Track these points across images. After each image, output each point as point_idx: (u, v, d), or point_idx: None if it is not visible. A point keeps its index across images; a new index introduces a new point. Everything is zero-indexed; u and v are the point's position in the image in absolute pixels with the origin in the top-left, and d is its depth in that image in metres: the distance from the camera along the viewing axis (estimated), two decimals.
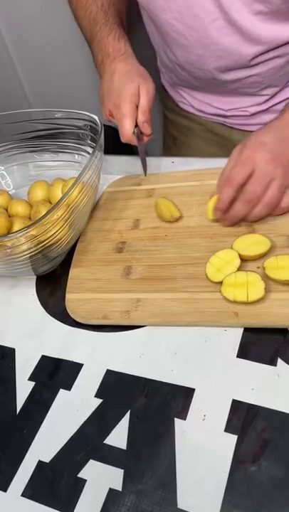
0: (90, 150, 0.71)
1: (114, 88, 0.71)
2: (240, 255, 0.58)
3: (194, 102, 0.89)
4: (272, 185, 0.59)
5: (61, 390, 0.54)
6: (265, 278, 0.55)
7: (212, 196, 0.64)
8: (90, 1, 0.79)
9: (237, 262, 0.57)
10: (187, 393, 0.50)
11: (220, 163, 0.65)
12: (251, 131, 0.65)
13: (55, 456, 0.49)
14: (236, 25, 0.69)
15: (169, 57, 0.82)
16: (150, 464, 0.46)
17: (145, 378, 0.53)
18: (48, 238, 0.57)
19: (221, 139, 0.91)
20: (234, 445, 0.46)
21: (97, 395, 0.53)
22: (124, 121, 0.69)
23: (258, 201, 0.60)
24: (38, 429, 0.52)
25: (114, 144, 0.73)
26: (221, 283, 0.56)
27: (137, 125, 0.70)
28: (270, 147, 0.60)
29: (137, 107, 0.70)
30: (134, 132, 0.70)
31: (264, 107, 0.82)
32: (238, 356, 0.52)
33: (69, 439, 0.50)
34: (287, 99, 0.80)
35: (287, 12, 0.66)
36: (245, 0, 0.65)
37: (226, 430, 0.47)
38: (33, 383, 0.56)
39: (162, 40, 0.80)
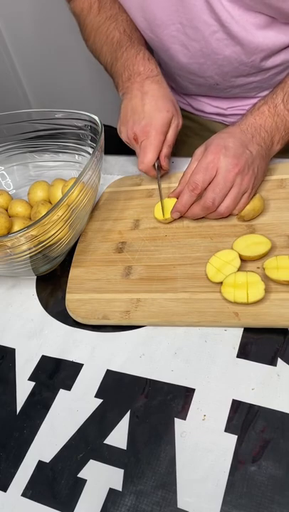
0: (90, 150, 0.71)
1: (145, 111, 0.68)
2: (240, 255, 0.58)
3: (193, 101, 0.89)
4: (229, 194, 0.61)
5: (61, 390, 0.54)
6: (265, 278, 0.55)
7: (170, 196, 0.67)
8: (112, 28, 0.76)
9: (237, 262, 0.57)
10: (187, 393, 0.50)
11: None
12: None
13: (55, 456, 0.49)
14: (236, 37, 0.69)
15: (170, 67, 0.82)
16: (150, 463, 0.46)
17: (145, 378, 0.53)
18: (48, 238, 0.57)
19: None
20: (234, 445, 0.46)
21: (97, 395, 0.53)
22: (150, 150, 0.67)
23: (215, 209, 0.62)
24: (38, 429, 0.52)
25: (114, 144, 0.73)
26: (221, 283, 0.56)
27: (157, 158, 0.68)
28: (233, 152, 0.60)
29: (164, 139, 0.68)
30: (154, 164, 0.68)
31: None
32: (238, 356, 0.52)
33: (69, 439, 0.50)
34: None
35: (285, 19, 0.66)
36: (243, 10, 0.65)
37: (226, 430, 0.47)
38: (33, 383, 0.56)
39: (163, 53, 0.79)
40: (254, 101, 0.81)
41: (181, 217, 0.66)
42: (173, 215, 0.65)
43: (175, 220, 0.66)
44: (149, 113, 0.68)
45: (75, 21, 0.85)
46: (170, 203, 0.66)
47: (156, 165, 0.68)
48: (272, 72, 0.75)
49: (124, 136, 0.71)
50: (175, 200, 0.65)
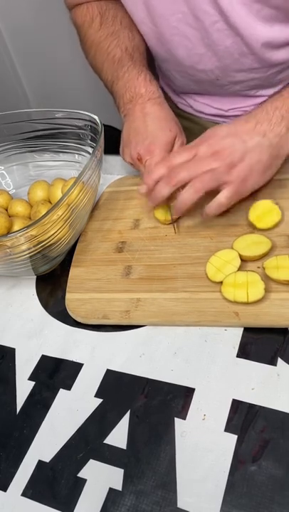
0: (90, 150, 0.71)
1: (148, 131, 0.68)
2: (240, 255, 0.58)
3: (194, 103, 0.89)
4: (205, 172, 0.57)
5: (61, 390, 0.54)
6: (265, 278, 0.55)
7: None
8: (113, 45, 0.76)
9: (237, 261, 0.57)
10: (187, 393, 0.50)
11: None
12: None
13: (55, 456, 0.49)
14: (236, 28, 0.68)
15: (170, 63, 0.82)
16: (150, 463, 0.46)
17: (145, 378, 0.53)
18: (48, 238, 0.57)
19: None
20: (234, 445, 0.46)
21: (97, 395, 0.53)
22: (156, 168, 0.65)
23: (176, 185, 0.58)
24: (38, 429, 0.52)
25: (114, 144, 0.73)
26: (221, 283, 0.56)
27: None
28: (218, 140, 0.58)
29: None
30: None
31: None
32: (238, 356, 0.52)
33: (69, 439, 0.50)
34: None
35: (287, 13, 0.66)
36: (245, 1, 0.65)
37: (226, 430, 0.47)
38: (33, 383, 0.56)
39: (164, 48, 0.78)
40: (255, 101, 0.82)
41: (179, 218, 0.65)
42: (139, 189, 0.64)
43: (176, 220, 0.66)
44: (152, 133, 0.67)
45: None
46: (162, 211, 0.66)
47: None
48: (273, 70, 0.75)
49: (127, 158, 0.70)
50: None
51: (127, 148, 0.70)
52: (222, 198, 0.58)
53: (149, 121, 0.68)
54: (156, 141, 0.67)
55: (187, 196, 0.59)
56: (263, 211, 0.61)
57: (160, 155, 0.66)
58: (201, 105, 0.88)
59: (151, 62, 0.90)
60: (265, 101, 0.62)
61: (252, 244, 0.58)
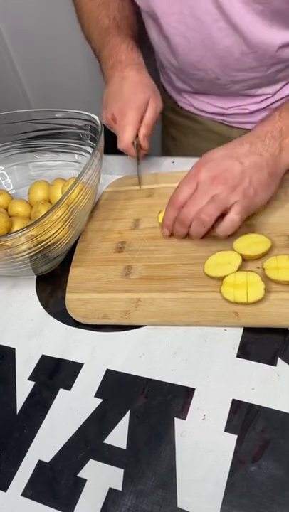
0: (90, 150, 0.71)
1: (122, 94, 0.70)
2: (241, 255, 0.58)
3: (194, 101, 0.89)
4: (208, 203, 0.57)
5: (61, 390, 0.54)
6: (265, 278, 0.55)
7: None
8: (102, 15, 0.79)
9: (238, 262, 0.57)
10: (187, 393, 0.50)
11: None
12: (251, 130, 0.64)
13: (55, 456, 0.49)
14: (237, 27, 0.69)
15: (171, 62, 0.82)
16: (150, 463, 0.46)
17: (145, 378, 0.53)
18: (48, 238, 0.57)
19: (221, 138, 0.91)
20: (234, 445, 0.46)
21: (97, 395, 0.53)
22: (127, 128, 0.69)
23: (191, 222, 0.59)
24: (38, 429, 0.52)
25: (114, 144, 0.73)
26: (220, 282, 0.56)
27: (136, 136, 0.70)
28: (216, 164, 0.59)
29: (142, 119, 0.70)
30: (133, 142, 0.69)
31: (263, 104, 0.82)
32: (238, 356, 0.52)
33: (69, 439, 0.50)
34: (286, 96, 0.80)
35: (287, 13, 0.66)
36: (246, 0, 0.65)
37: (226, 430, 0.47)
38: (33, 383, 0.56)
39: (165, 45, 0.79)
40: (255, 99, 0.82)
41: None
42: (163, 232, 0.64)
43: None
44: (127, 95, 0.70)
45: (76, 22, 0.85)
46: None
47: (135, 143, 0.70)
48: (274, 69, 0.75)
49: (104, 119, 0.73)
50: None
51: (104, 111, 0.73)
52: (233, 214, 0.57)
53: (125, 85, 0.71)
54: (129, 103, 0.69)
55: (198, 230, 0.59)
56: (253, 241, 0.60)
57: (132, 115, 0.69)
58: (202, 104, 0.88)
59: (151, 59, 0.91)
60: (254, 127, 0.63)
61: (252, 244, 0.58)
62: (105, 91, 0.74)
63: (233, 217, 0.57)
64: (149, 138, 0.71)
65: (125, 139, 0.69)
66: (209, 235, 0.60)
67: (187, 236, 0.63)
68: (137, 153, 0.71)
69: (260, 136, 0.60)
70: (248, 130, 0.63)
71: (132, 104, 0.69)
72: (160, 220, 0.66)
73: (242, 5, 0.66)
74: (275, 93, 0.80)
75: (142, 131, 0.70)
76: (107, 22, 0.78)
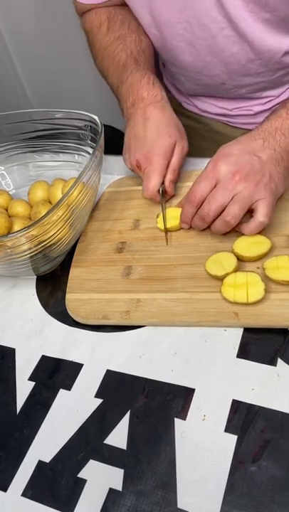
0: (90, 150, 0.71)
1: (147, 138, 0.67)
2: (241, 256, 0.58)
3: (198, 102, 0.89)
4: (232, 202, 0.57)
5: (61, 390, 0.54)
6: (265, 278, 0.55)
7: (176, 206, 0.66)
8: (119, 50, 0.76)
9: (233, 263, 0.57)
10: (187, 393, 0.50)
11: None
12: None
13: (55, 456, 0.49)
14: (244, 35, 0.68)
15: (175, 69, 0.81)
16: (150, 464, 0.46)
17: (145, 378, 0.53)
18: (48, 238, 0.57)
19: (224, 139, 0.90)
20: (234, 445, 0.46)
21: (97, 395, 0.53)
22: (153, 176, 0.66)
23: (213, 219, 0.58)
24: (38, 429, 0.52)
25: (114, 144, 0.73)
26: (220, 282, 0.56)
27: (163, 182, 0.68)
28: (235, 159, 0.57)
29: (168, 163, 0.67)
30: (159, 190, 0.67)
31: (268, 106, 0.82)
32: (238, 356, 0.52)
33: (69, 439, 0.50)
34: None
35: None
36: (253, 9, 0.65)
37: (226, 430, 0.47)
38: (33, 383, 0.56)
39: (169, 53, 0.78)
40: (260, 101, 0.82)
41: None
42: (182, 226, 0.64)
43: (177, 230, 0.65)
44: (151, 139, 0.67)
45: (77, 22, 0.85)
46: (174, 211, 0.66)
47: (160, 190, 0.67)
48: (280, 74, 0.75)
49: (128, 164, 0.70)
50: (179, 209, 0.65)
51: (127, 155, 0.70)
52: (260, 217, 0.57)
53: (148, 127, 0.68)
54: (154, 148, 0.66)
55: (221, 229, 0.59)
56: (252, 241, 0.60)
57: (158, 162, 0.66)
58: (206, 105, 0.88)
59: (156, 61, 0.91)
60: (262, 122, 0.62)
61: (252, 245, 0.58)
62: (127, 131, 0.71)
63: (261, 221, 0.57)
64: (175, 182, 0.69)
65: (151, 187, 0.66)
66: (232, 230, 0.60)
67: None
68: (162, 200, 0.67)
69: (270, 132, 0.60)
70: None
71: (158, 149, 0.66)
72: (159, 225, 0.66)
73: (249, 13, 0.66)
74: (280, 95, 0.80)
75: (169, 177, 0.68)
76: (124, 57, 0.75)
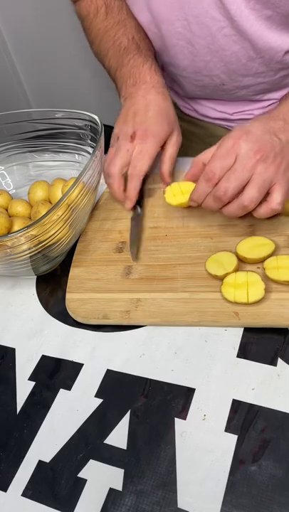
0: (90, 150, 0.71)
1: (148, 115, 0.68)
2: (244, 258, 0.58)
3: (198, 106, 0.88)
4: (250, 182, 0.54)
5: (61, 390, 0.54)
6: (265, 278, 0.55)
7: (184, 180, 0.63)
8: (120, 34, 0.76)
9: (233, 263, 0.57)
10: (187, 393, 0.50)
11: None
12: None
13: (55, 456, 0.49)
14: (245, 33, 0.68)
15: (174, 70, 0.81)
16: (150, 463, 0.46)
17: (145, 378, 0.53)
18: (48, 238, 0.57)
19: None
20: (234, 445, 0.46)
21: (97, 395, 0.53)
22: (145, 157, 0.66)
23: (230, 200, 0.55)
24: (38, 429, 0.52)
25: None
26: (220, 282, 0.56)
27: (141, 206, 0.68)
28: (256, 138, 0.54)
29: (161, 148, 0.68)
30: (135, 208, 0.68)
31: (269, 109, 0.82)
32: (238, 356, 0.52)
33: (69, 439, 0.50)
34: None
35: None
36: (254, 6, 0.65)
37: (226, 430, 0.47)
38: (33, 383, 0.56)
39: (168, 53, 0.78)
40: (261, 104, 0.81)
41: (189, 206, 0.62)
42: (191, 204, 0.61)
43: (187, 207, 0.64)
44: (152, 120, 0.67)
45: (76, 22, 0.85)
46: (185, 185, 0.63)
47: (138, 211, 0.68)
48: (281, 74, 0.74)
49: (122, 133, 0.69)
50: (189, 183, 0.62)
51: (123, 125, 0.69)
52: (274, 205, 0.55)
53: (150, 108, 0.68)
54: (152, 129, 0.67)
55: (236, 213, 0.56)
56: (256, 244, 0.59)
57: (152, 145, 0.66)
58: (206, 109, 0.87)
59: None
60: (280, 104, 0.61)
61: (255, 247, 0.58)
62: (125, 106, 0.71)
63: (275, 208, 0.55)
64: (172, 174, 0.69)
65: (142, 170, 0.66)
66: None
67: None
68: (138, 218, 0.67)
69: (287, 115, 0.58)
70: None
71: (156, 132, 0.67)
72: (168, 200, 0.64)
73: (251, 11, 0.65)
74: (281, 98, 0.80)
75: (167, 167, 0.68)
76: (126, 41, 0.75)
